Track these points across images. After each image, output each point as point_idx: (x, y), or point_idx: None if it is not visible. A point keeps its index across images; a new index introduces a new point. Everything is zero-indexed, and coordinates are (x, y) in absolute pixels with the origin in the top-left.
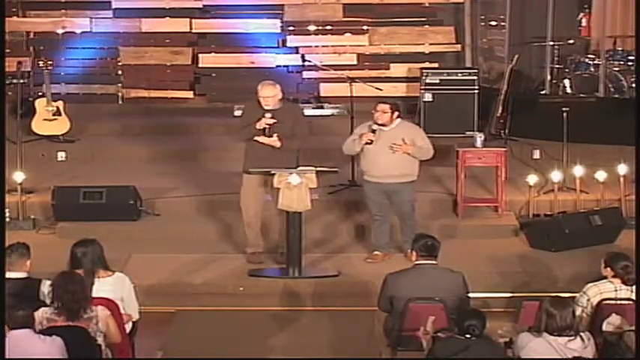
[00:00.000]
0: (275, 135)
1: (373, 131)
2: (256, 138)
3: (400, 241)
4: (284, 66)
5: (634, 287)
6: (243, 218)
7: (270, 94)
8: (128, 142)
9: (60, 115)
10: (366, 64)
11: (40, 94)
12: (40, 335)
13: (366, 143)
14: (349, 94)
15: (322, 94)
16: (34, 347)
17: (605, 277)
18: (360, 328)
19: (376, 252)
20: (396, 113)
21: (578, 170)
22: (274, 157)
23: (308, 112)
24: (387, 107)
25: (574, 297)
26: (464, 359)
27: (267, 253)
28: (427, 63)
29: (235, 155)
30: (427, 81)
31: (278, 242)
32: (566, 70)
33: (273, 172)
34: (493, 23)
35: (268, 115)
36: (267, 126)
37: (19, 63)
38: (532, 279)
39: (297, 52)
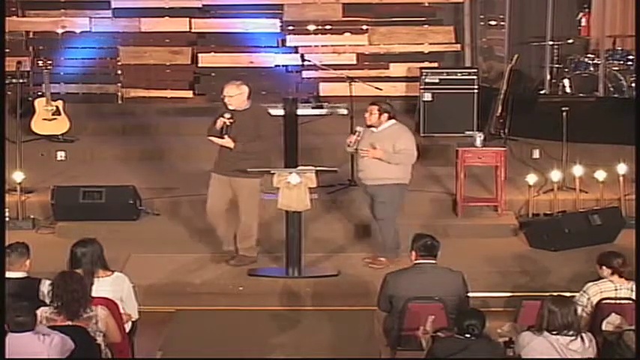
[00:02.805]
0: (227, 136)
1: (355, 133)
2: (210, 138)
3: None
4: (283, 66)
5: (634, 286)
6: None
7: (231, 93)
8: (128, 142)
9: (59, 114)
10: (366, 63)
11: (39, 93)
12: (39, 336)
13: (348, 146)
14: (349, 94)
15: (322, 94)
16: (33, 348)
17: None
18: (359, 327)
19: (380, 258)
20: (385, 115)
21: (578, 170)
22: (238, 158)
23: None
24: (374, 108)
25: (574, 296)
26: (463, 359)
27: (265, 253)
28: (427, 62)
29: None
30: (427, 80)
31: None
32: (566, 70)
33: (273, 171)
34: (493, 23)
35: (227, 115)
36: (224, 125)
37: (19, 62)
38: (531, 278)
39: (296, 52)
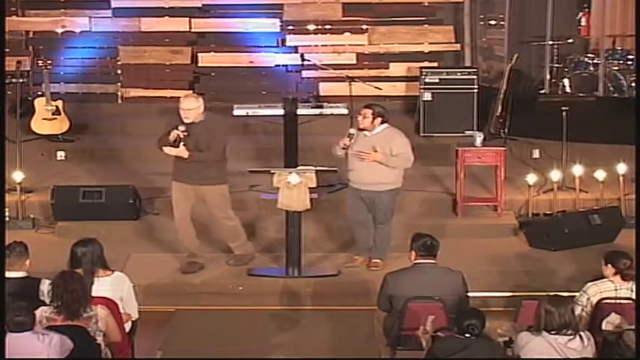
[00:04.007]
0: (182, 145)
1: (349, 136)
2: (164, 149)
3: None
4: (283, 65)
5: (633, 286)
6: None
7: (190, 107)
8: (128, 142)
9: (59, 114)
10: (366, 63)
11: (39, 93)
12: (38, 335)
13: (342, 148)
14: (349, 94)
15: (321, 94)
16: (33, 347)
17: (605, 277)
18: (359, 327)
19: (356, 256)
20: (379, 119)
21: (578, 169)
22: (197, 168)
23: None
24: (368, 112)
25: (573, 296)
26: (463, 359)
27: (266, 253)
28: (426, 62)
29: (235, 154)
30: (426, 80)
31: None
32: (566, 70)
33: (273, 171)
34: (492, 22)
35: (182, 127)
36: (178, 138)
37: (19, 62)
38: (531, 278)
39: (296, 52)
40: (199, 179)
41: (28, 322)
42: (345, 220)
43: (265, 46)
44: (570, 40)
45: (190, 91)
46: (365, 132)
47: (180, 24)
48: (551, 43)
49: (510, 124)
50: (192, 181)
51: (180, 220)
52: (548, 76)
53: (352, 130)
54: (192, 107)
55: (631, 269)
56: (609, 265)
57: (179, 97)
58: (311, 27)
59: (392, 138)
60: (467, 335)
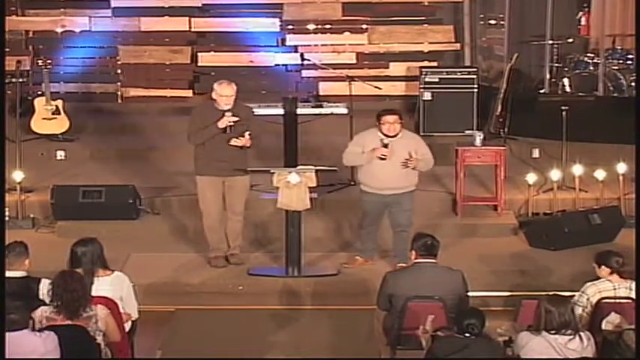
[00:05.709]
0: (247, 134)
1: (385, 145)
2: (233, 142)
3: (387, 249)
4: (283, 65)
5: (632, 285)
6: (204, 222)
7: (230, 93)
8: (127, 141)
9: (59, 114)
10: (366, 62)
11: (39, 92)
12: (35, 332)
13: (380, 159)
14: (348, 93)
15: (321, 93)
16: (30, 345)
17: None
18: (359, 326)
19: (357, 257)
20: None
21: (578, 169)
22: (227, 157)
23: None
24: (397, 118)
25: (573, 296)
26: (463, 359)
27: (266, 253)
28: (426, 62)
29: None
30: (426, 80)
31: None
32: (566, 69)
33: (273, 170)
34: (492, 22)
35: (229, 113)
36: (231, 124)
37: (19, 62)
38: (531, 278)
39: (296, 51)
40: (230, 170)
41: (21, 321)
42: (345, 220)
43: (265, 46)
44: (570, 40)
45: (225, 80)
46: (389, 139)
47: (180, 23)
48: (551, 42)
49: (510, 123)
50: (222, 172)
51: (210, 214)
52: (548, 76)
53: (387, 140)
54: (232, 94)
55: (625, 265)
56: (603, 267)
57: (179, 97)
58: (311, 27)
59: (416, 141)
60: (467, 335)
